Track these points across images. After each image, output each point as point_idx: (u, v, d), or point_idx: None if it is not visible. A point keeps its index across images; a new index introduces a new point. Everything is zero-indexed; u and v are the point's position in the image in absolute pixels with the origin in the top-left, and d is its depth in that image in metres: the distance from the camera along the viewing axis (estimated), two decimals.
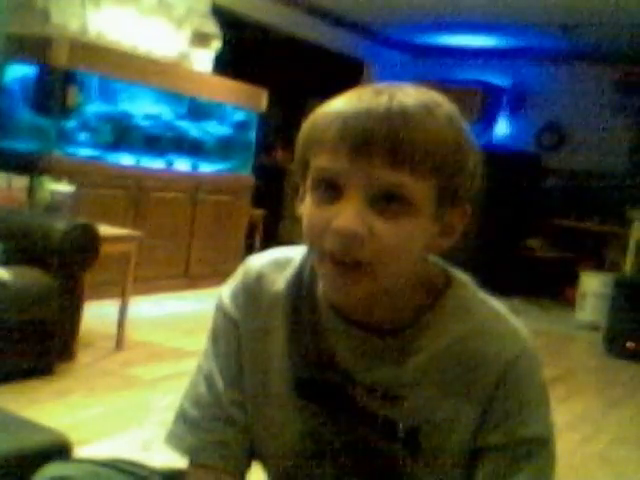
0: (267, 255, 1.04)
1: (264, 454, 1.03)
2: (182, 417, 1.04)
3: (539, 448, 0.90)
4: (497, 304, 0.95)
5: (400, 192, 0.82)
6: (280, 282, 0.99)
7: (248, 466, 1.04)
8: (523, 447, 0.89)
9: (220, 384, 1.01)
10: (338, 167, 0.83)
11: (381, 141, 0.81)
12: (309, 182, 0.87)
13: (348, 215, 0.82)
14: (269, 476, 1.06)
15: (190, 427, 1.02)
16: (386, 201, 0.82)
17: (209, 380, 1.02)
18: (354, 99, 0.85)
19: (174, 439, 1.03)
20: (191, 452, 1.01)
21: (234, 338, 1.02)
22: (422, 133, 0.82)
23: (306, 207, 0.87)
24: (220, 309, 1.04)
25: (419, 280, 0.92)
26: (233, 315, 1.02)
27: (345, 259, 0.83)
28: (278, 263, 1.01)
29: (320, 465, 0.98)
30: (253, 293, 1.01)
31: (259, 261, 1.03)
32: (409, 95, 0.84)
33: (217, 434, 1.00)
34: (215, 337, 1.04)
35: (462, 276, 0.96)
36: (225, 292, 1.04)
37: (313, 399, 0.97)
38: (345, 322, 0.93)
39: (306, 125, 0.89)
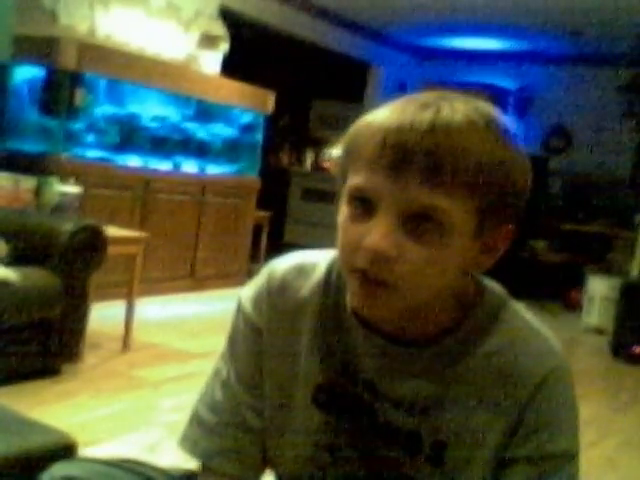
0: (291, 259, 1.01)
1: (278, 460, 1.02)
2: (197, 421, 1.02)
3: (566, 463, 0.90)
4: (530, 316, 0.94)
5: (434, 214, 0.79)
6: (305, 289, 0.97)
7: (262, 472, 1.03)
8: (551, 461, 0.89)
9: (238, 390, 0.99)
10: (374, 184, 0.81)
11: (420, 160, 0.78)
12: (345, 195, 0.85)
13: (378, 234, 0.80)
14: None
15: (205, 432, 1.00)
16: (419, 221, 0.80)
17: (226, 385, 1.00)
18: (398, 111, 0.81)
19: (188, 443, 1.01)
20: (205, 457, 1.00)
21: (255, 344, 0.99)
22: (466, 154, 0.78)
23: (340, 221, 0.85)
24: (241, 313, 1.01)
25: (452, 293, 0.89)
26: (255, 321, 0.99)
27: (373, 277, 0.81)
28: (303, 269, 0.99)
29: (335, 475, 0.97)
30: (277, 299, 0.98)
31: (283, 266, 1.00)
32: (457, 110, 0.80)
33: (233, 440, 0.99)
34: (234, 342, 1.02)
35: (493, 285, 0.94)
36: (246, 296, 1.01)
37: (334, 410, 0.96)
38: (372, 334, 0.91)
39: (348, 136, 0.86)
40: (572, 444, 0.91)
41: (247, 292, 1.02)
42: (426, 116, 0.79)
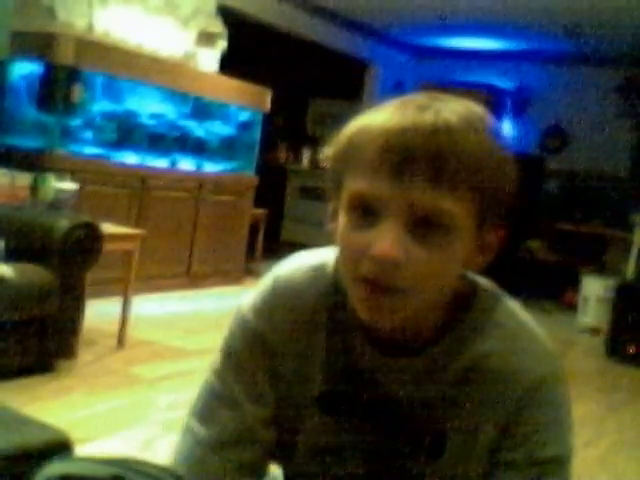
0: (294, 262, 0.98)
1: (285, 457, 1.01)
2: (195, 440, 0.96)
3: (557, 468, 0.90)
4: (525, 316, 0.93)
5: (439, 217, 0.79)
6: (316, 290, 0.95)
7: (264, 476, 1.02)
8: (542, 467, 0.88)
9: (248, 407, 0.95)
10: (378, 190, 0.79)
11: (424, 162, 0.78)
12: (344, 202, 0.83)
13: (387, 241, 0.78)
14: (285, 475, 1.04)
15: (210, 450, 0.95)
16: (425, 226, 0.79)
17: (230, 401, 0.96)
18: (397, 114, 0.81)
19: (185, 460, 0.96)
20: (212, 474, 0.95)
21: (262, 354, 0.96)
22: (467, 155, 0.79)
23: (340, 228, 0.84)
24: (243, 325, 0.97)
25: (448, 294, 0.89)
26: (264, 332, 0.95)
27: (381, 284, 0.80)
28: (310, 271, 0.96)
29: (339, 474, 0.97)
30: (288, 304, 0.95)
31: (288, 269, 0.97)
32: (454, 111, 0.81)
33: (241, 454, 0.95)
34: (236, 356, 0.97)
35: (486, 283, 0.94)
36: (249, 307, 0.97)
37: (341, 412, 0.95)
38: (372, 343, 0.91)
39: (342, 139, 0.85)
40: (564, 449, 0.91)
41: (249, 302, 0.98)
42: (427, 118, 0.79)
